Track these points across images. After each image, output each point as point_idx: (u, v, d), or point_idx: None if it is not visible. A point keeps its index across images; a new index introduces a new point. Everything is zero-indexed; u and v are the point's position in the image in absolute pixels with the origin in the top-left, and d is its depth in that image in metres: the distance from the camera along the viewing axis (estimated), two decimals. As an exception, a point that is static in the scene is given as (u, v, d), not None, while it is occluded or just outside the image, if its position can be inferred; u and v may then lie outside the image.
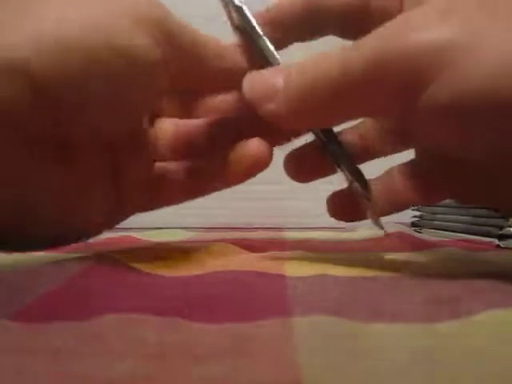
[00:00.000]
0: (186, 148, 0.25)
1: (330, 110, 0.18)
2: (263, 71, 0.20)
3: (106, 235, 0.34)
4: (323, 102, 0.18)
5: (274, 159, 0.22)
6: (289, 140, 0.24)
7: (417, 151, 0.23)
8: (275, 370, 0.10)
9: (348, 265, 0.21)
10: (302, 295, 0.16)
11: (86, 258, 0.21)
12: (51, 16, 0.17)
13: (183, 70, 0.21)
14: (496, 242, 0.30)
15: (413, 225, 0.43)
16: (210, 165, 0.24)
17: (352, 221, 0.23)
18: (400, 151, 0.24)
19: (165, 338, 0.12)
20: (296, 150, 0.24)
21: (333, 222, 0.24)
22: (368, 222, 0.23)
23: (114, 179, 0.22)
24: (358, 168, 0.22)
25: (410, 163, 0.22)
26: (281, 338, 0.12)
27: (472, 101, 0.15)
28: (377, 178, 0.23)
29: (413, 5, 0.18)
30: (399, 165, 0.23)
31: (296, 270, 0.20)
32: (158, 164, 0.25)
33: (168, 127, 0.25)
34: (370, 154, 0.24)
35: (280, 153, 0.24)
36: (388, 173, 0.22)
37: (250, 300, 0.16)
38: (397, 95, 0.16)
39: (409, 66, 0.15)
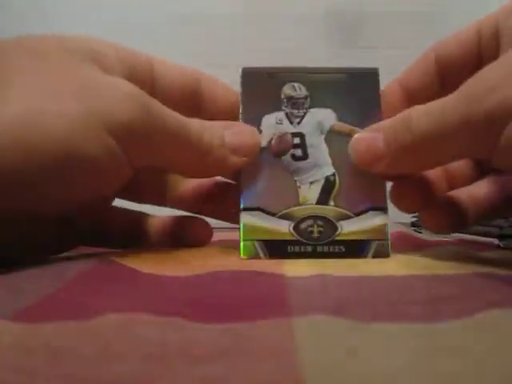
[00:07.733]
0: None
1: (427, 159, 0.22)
2: (365, 134, 0.23)
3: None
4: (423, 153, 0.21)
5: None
6: None
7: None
8: (275, 370, 0.10)
9: (348, 265, 0.21)
10: (301, 295, 0.16)
11: (86, 259, 0.21)
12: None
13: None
14: (496, 242, 0.30)
15: (413, 225, 0.43)
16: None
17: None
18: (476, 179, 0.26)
19: (165, 338, 0.12)
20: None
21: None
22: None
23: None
24: None
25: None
26: (281, 338, 0.12)
27: None
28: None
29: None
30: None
31: (296, 269, 0.20)
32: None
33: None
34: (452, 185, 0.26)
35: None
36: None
37: (250, 300, 0.16)
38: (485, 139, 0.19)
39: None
